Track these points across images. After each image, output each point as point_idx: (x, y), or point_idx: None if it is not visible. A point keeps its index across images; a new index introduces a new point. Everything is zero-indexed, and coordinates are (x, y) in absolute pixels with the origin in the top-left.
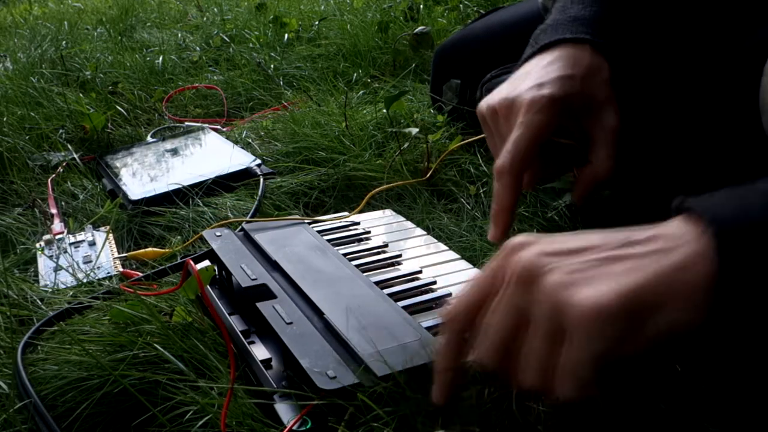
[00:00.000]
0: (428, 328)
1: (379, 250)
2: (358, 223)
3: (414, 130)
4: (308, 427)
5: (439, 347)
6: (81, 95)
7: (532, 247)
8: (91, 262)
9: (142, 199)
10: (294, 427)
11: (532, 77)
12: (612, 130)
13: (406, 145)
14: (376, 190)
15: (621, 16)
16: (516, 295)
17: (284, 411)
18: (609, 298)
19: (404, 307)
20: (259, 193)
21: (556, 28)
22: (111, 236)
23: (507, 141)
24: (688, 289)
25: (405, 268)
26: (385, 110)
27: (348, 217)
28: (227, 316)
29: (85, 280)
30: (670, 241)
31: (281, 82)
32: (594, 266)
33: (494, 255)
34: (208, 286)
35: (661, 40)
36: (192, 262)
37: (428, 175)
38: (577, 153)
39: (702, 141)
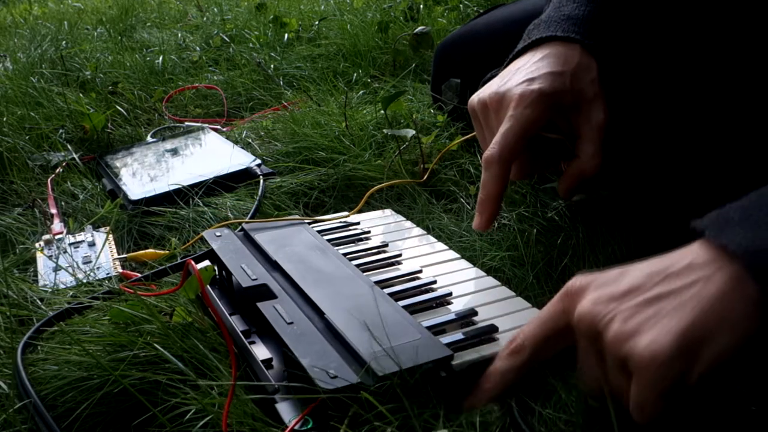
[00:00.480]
0: (428, 328)
1: (379, 249)
2: (358, 223)
3: (410, 132)
4: (309, 426)
5: (496, 371)
6: (81, 95)
7: (587, 294)
8: (90, 262)
9: (142, 199)
10: (295, 427)
11: (523, 72)
12: (599, 126)
13: (404, 146)
14: (374, 188)
15: (614, 15)
16: (588, 346)
17: (285, 411)
18: (663, 344)
19: (404, 307)
20: (259, 193)
21: (549, 24)
22: (111, 237)
23: (497, 133)
24: (732, 315)
25: (405, 268)
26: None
27: (348, 216)
28: (228, 316)
29: (84, 281)
30: (705, 269)
31: (281, 82)
32: (645, 308)
33: (554, 297)
34: (209, 286)
35: (654, 37)
36: (192, 262)
37: (424, 177)
38: (565, 148)
39: (696, 137)
